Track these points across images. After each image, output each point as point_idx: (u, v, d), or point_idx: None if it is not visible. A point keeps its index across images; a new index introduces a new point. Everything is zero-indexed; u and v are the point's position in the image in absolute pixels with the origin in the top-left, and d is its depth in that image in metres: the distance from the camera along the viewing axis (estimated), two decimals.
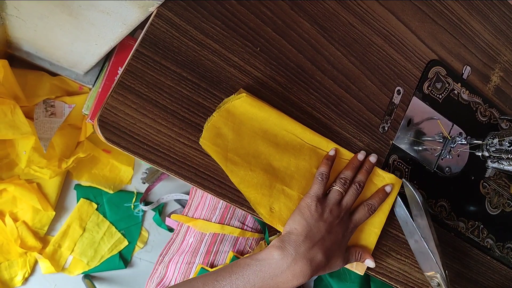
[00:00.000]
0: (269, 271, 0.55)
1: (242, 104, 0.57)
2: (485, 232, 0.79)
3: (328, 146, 0.62)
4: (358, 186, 0.62)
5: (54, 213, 1.18)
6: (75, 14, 0.62)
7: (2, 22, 0.81)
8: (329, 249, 0.58)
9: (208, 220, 0.83)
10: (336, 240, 0.59)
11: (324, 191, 0.60)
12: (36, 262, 1.18)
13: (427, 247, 0.63)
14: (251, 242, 0.84)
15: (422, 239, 0.64)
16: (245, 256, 0.56)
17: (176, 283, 0.79)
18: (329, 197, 0.61)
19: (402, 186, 0.67)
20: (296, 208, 0.60)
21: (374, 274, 0.68)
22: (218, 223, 0.82)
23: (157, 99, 0.53)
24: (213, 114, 0.56)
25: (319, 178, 0.60)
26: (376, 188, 0.65)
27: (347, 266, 0.64)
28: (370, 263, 0.64)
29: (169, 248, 0.87)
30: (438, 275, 0.64)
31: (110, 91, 0.51)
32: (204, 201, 0.86)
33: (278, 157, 0.59)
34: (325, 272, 0.59)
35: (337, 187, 0.61)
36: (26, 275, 1.17)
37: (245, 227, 0.83)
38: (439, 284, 0.65)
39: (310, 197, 0.59)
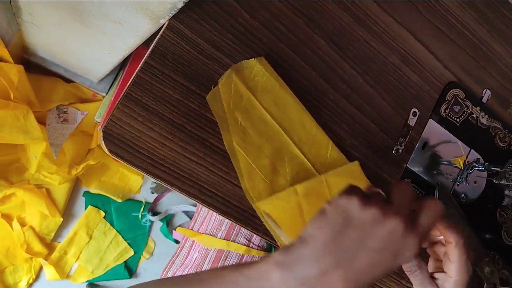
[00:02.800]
0: None
1: (268, 82, 0.57)
2: (500, 263, 0.75)
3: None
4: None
5: (61, 219, 1.18)
6: (87, 23, 0.62)
7: (18, 28, 0.82)
8: (360, 276, 0.36)
9: (213, 236, 0.81)
10: (379, 262, 0.37)
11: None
12: (41, 268, 1.18)
13: (473, 233, 0.66)
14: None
15: (470, 226, 0.66)
16: (231, 265, 0.41)
17: None
18: (370, 195, 0.41)
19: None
20: (320, 208, 0.40)
21: None
22: (224, 239, 0.80)
23: (164, 113, 0.52)
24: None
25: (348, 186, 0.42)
26: None
27: None
28: None
29: (173, 263, 0.85)
30: (489, 258, 0.66)
31: (117, 103, 0.50)
32: (210, 215, 0.84)
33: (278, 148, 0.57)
34: None
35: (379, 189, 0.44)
36: (31, 281, 1.16)
37: (251, 244, 0.82)
38: (492, 271, 0.67)
39: (342, 193, 0.40)
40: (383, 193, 0.43)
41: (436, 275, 0.47)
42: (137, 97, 0.51)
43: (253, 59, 0.56)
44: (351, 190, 0.40)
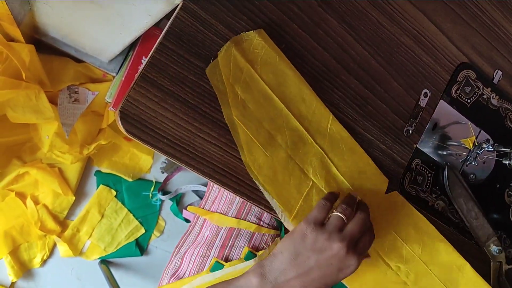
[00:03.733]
0: None
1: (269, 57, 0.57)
2: (507, 242, 0.77)
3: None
4: (365, 215, 0.55)
5: (74, 198, 1.20)
6: (101, 3, 0.62)
7: (30, 7, 0.82)
8: (313, 283, 0.52)
9: (224, 214, 0.83)
10: (326, 274, 0.52)
11: (324, 219, 0.55)
12: (54, 245, 1.21)
13: (482, 213, 0.69)
14: (267, 238, 0.83)
15: (478, 206, 0.69)
16: (222, 282, 0.54)
17: (190, 274, 0.80)
18: (329, 222, 0.54)
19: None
20: (290, 232, 0.55)
21: None
22: (235, 217, 0.82)
23: (179, 93, 0.53)
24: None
25: (322, 202, 0.55)
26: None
27: None
28: None
29: (185, 240, 0.87)
30: (496, 238, 0.69)
31: (133, 83, 0.51)
32: (221, 194, 0.85)
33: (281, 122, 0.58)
34: None
35: (337, 213, 0.54)
36: (45, 257, 1.19)
37: (261, 223, 0.83)
38: (500, 250, 0.70)
39: (307, 221, 0.54)
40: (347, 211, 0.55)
41: None
42: (152, 78, 0.52)
43: (252, 31, 0.56)
44: (310, 218, 0.54)
